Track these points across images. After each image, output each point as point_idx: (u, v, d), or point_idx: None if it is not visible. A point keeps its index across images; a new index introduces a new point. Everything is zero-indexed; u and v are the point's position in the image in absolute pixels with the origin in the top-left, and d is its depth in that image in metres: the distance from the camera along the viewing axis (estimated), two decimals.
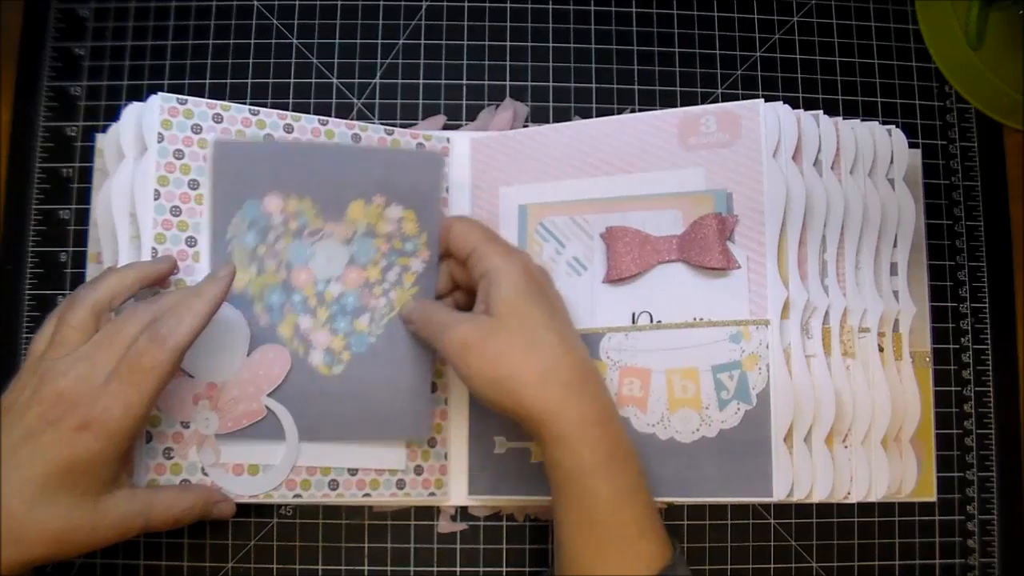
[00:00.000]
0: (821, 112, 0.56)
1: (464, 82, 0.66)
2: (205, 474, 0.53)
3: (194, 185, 0.55)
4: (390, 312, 0.56)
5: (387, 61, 0.66)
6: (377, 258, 0.56)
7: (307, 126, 0.58)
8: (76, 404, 0.45)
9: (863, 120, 0.59)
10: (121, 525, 0.47)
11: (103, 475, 0.46)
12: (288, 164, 0.55)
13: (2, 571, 0.43)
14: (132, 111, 0.56)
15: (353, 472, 0.56)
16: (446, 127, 0.65)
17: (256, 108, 0.57)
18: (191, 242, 0.54)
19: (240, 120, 0.56)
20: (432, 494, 0.58)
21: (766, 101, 0.57)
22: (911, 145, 0.62)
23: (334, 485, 0.56)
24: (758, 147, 0.55)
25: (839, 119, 0.57)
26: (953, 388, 0.65)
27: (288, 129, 0.57)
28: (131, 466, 0.51)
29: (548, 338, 0.48)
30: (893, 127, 0.58)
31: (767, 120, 0.55)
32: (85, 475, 0.45)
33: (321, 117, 0.58)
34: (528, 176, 0.60)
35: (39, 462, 0.44)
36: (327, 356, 0.55)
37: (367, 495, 0.56)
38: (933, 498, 0.58)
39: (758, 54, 0.68)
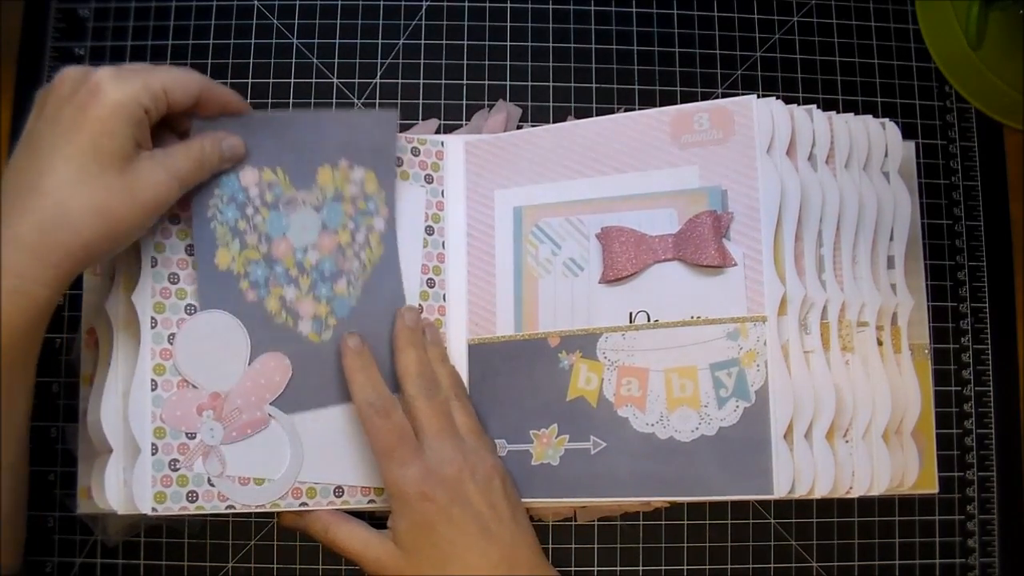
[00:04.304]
0: (814, 107, 0.56)
1: (464, 82, 0.67)
2: (212, 484, 0.53)
3: None
4: (363, 273, 0.57)
5: (387, 61, 0.67)
6: (345, 221, 0.57)
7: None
8: (85, 77, 0.46)
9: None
10: (155, 190, 0.47)
11: (122, 143, 0.46)
12: (259, 136, 0.55)
13: (61, 259, 0.44)
14: None
15: None
16: (444, 127, 0.65)
17: None
18: (190, 250, 0.54)
19: None
20: None
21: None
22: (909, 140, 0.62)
23: (339, 492, 0.55)
24: (752, 143, 0.55)
25: (833, 113, 0.56)
26: (953, 388, 0.65)
27: None
28: (147, 139, 0.50)
29: (454, 569, 0.50)
30: (887, 120, 0.58)
31: (760, 116, 0.55)
32: (106, 141, 0.45)
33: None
34: (523, 178, 0.60)
35: (68, 141, 0.45)
36: (315, 324, 0.55)
37: (372, 501, 0.56)
38: (935, 490, 0.57)
39: (758, 54, 0.68)
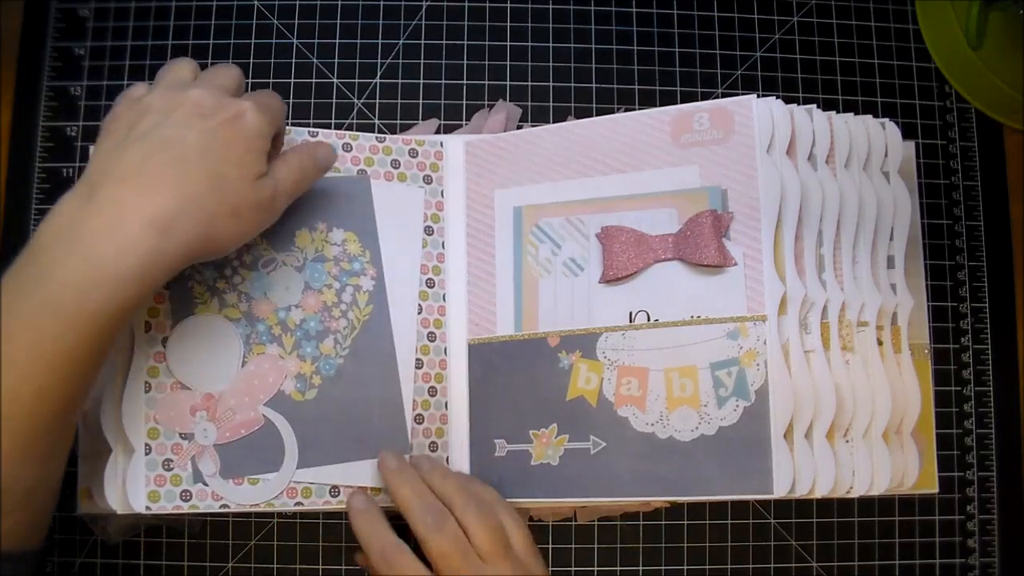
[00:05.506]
0: (814, 107, 0.56)
1: (464, 82, 0.67)
2: (205, 484, 0.53)
3: None
4: (352, 332, 0.57)
5: (387, 61, 0.66)
6: (330, 281, 0.57)
7: (296, 138, 0.57)
8: (219, 104, 0.47)
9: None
10: (271, 205, 0.49)
11: (260, 162, 0.48)
12: None
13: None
14: None
15: None
16: (444, 127, 0.65)
17: None
18: None
19: None
20: None
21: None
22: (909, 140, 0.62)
23: (335, 492, 0.56)
24: (752, 143, 0.55)
25: (832, 113, 0.56)
26: (953, 388, 0.65)
27: None
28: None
29: None
30: (887, 120, 0.58)
31: (760, 116, 0.55)
32: (251, 159, 0.48)
33: (311, 128, 0.58)
34: (523, 178, 0.60)
35: (227, 153, 0.47)
36: (299, 382, 0.56)
37: None
38: (935, 490, 0.57)
39: (758, 54, 0.68)
